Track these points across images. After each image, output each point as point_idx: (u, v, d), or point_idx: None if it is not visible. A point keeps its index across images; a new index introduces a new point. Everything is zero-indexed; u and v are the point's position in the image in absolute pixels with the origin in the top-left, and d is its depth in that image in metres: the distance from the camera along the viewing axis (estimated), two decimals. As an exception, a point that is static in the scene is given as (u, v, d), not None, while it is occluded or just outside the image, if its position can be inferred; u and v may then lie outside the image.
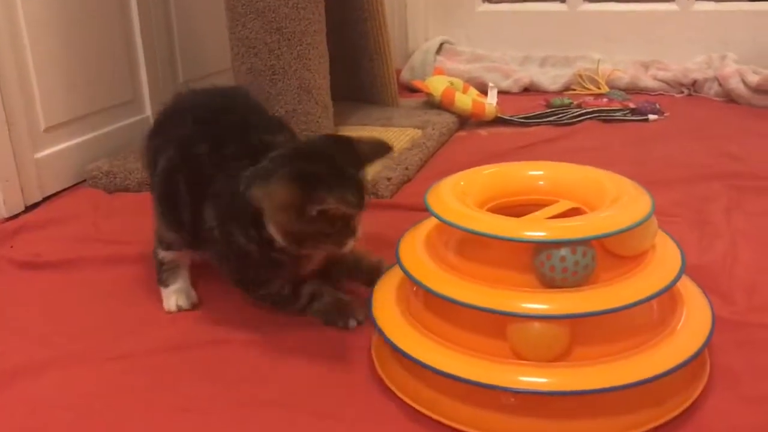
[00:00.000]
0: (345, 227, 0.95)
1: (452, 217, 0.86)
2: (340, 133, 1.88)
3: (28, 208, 1.58)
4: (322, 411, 0.88)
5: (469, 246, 0.90)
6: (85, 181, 1.71)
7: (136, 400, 0.92)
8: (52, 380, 0.96)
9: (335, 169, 0.94)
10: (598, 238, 0.82)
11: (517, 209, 0.94)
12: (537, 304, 0.80)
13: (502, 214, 0.89)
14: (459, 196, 0.91)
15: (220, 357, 1.00)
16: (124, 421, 0.88)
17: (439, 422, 0.83)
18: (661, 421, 0.81)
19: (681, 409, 0.83)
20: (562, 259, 0.80)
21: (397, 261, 0.93)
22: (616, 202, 0.88)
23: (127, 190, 1.64)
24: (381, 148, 1.01)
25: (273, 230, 0.96)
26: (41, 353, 1.02)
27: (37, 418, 0.89)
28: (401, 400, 0.88)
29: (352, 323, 1.03)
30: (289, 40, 1.72)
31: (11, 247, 1.38)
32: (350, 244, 0.97)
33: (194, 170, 1.03)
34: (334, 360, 0.98)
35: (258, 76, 1.74)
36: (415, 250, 0.93)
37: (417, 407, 0.86)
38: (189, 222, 1.04)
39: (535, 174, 0.96)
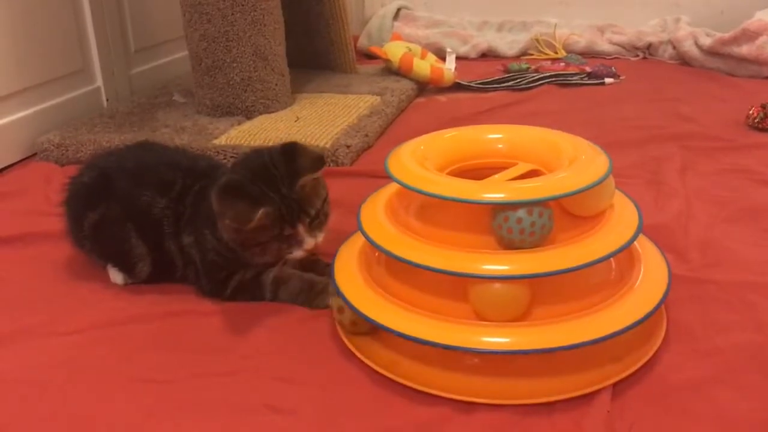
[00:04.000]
0: (284, 237, 0.95)
1: (412, 181, 0.86)
2: (297, 102, 1.86)
3: (-23, 183, 1.54)
4: (285, 376, 0.87)
5: (429, 210, 0.90)
6: (36, 154, 1.66)
7: (95, 372, 0.90)
8: (9, 355, 0.94)
9: (262, 182, 0.94)
10: (554, 198, 0.83)
11: (477, 172, 0.94)
12: (497, 265, 0.80)
13: (463, 177, 0.89)
14: (419, 161, 0.91)
15: (178, 328, 0.99)
16: (83, 392, 0.86)
17: (401, 384, 0.84)
18: (621, 376, 0.83)
19: (639, 364, 0.85)
20: (519, 220, 0.80)
21: (359, 227, 0.92)
22: (574, 163, 0.88)
23: (79, 162, 1.58)
24: (317, 163, 0.97)
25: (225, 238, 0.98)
26: (-5, 329, 0.99)
27: (-6, 394, 0.87)
28: (364, 363, 0.88)
29: (326, 301, 0.98)
30: (243, 5, 1.68)
31: (-40, 222, 1.34)
32: (298, 254, 0.97)
33: (144, 216, 1.04)
34: (295, 326, 0.98)
35: (211, 42, 1.71)
36: (377, 216, 0.93)
37: (379, 370, 0.86)
38: (148, 260, 1.06)
39: (494, 137, 0.96)
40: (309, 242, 0.96)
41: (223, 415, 0.81)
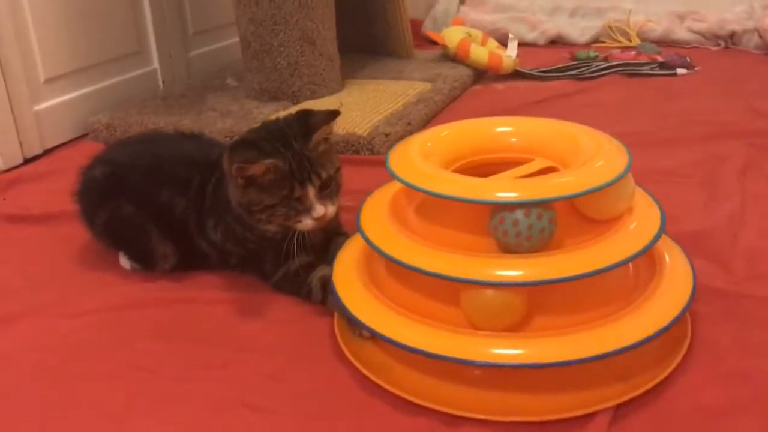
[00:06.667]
0: (293, 201, 0.91)
1: (406, 174, 0.80)
2: (346, 88, 1.82)
3: (28, 161, 1.58)
4: (273, 374, 0.84)
5: (429, 208, 0.85)
6: (88, 134, 1.69)
7: (90, 356, 0.90)
8: (9, 334, 0.95)
9: (275, 140, 0.91)
10: (553, 200, 0.76)
11: (488, 168, 0.88)
12: (488, 269, 0.74)
13: (472, 174, 0.83)
14: (425, 155, 0.85)
15: (181, 316, 0.97)
16: (75, 376, 0.86)
17: (389, 392, 0.79)
18: (624, 398, 0.75)
19: (648, 386, 0.77)
20: (515, 222, 0.73)
21: (357, 224, 0.88)
22: (591, 160, 0.81)
23: (125, 143, 1.62)
24: (329, 116, 0.94)
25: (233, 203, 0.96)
26: (3, 306, 1.01)
27: (-9, 373, 0.88)
28: (356, 366, 0.83)
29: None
30: (289, -12, 1.66)
31: (4, 199, 1.38)
32: (308, 223, 0.92)
33: (166, 216, 1.03)
34: (294, 323, 0.94)
35: (259, 26, 1.69)
36: (377, 213, 0.88)
37: (369, 375, 0.81)
38: (173, 257, 1.06)
39: (504, 131, 0.89)
40: (319, 210, 0.91)
41: (198, 410, 0.79)
